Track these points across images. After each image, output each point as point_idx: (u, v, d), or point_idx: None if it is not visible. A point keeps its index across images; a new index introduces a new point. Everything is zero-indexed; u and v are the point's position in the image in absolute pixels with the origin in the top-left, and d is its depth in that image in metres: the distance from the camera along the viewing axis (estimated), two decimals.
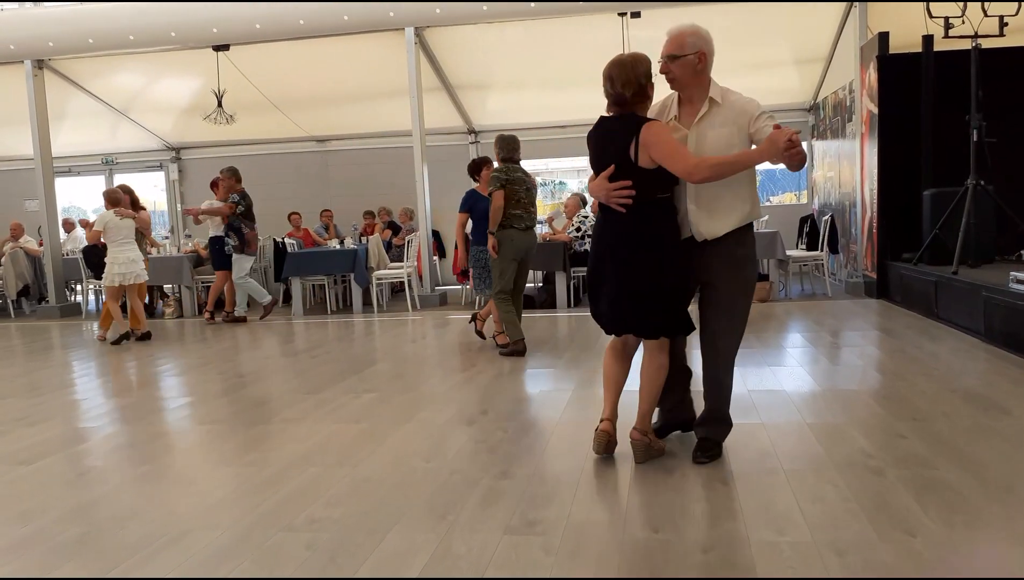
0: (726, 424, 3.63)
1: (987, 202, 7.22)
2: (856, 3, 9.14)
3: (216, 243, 9.28)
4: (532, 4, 9.32)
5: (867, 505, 2.84)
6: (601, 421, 3.54)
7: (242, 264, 9.22)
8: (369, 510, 3.04)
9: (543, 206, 16.97)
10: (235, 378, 5.92)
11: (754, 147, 3.32)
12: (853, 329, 6.84)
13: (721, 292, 3.44)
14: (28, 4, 10.88)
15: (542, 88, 11.68)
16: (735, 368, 3.63)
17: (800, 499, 2.93)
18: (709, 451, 3.48)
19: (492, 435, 4.01)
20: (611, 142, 3.40)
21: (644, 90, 3.39)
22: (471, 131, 13.16)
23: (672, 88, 3.47)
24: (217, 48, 10.34)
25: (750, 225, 3.45)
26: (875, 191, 8.66)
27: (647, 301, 3.36)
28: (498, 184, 6.14)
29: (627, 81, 3.36)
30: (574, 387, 5.04)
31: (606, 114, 3.51)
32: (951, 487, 2.99)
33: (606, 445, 3.51)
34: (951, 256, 6.90)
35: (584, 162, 16.66)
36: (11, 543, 2.87)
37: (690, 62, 3.35)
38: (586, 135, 3.54)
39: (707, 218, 3.36)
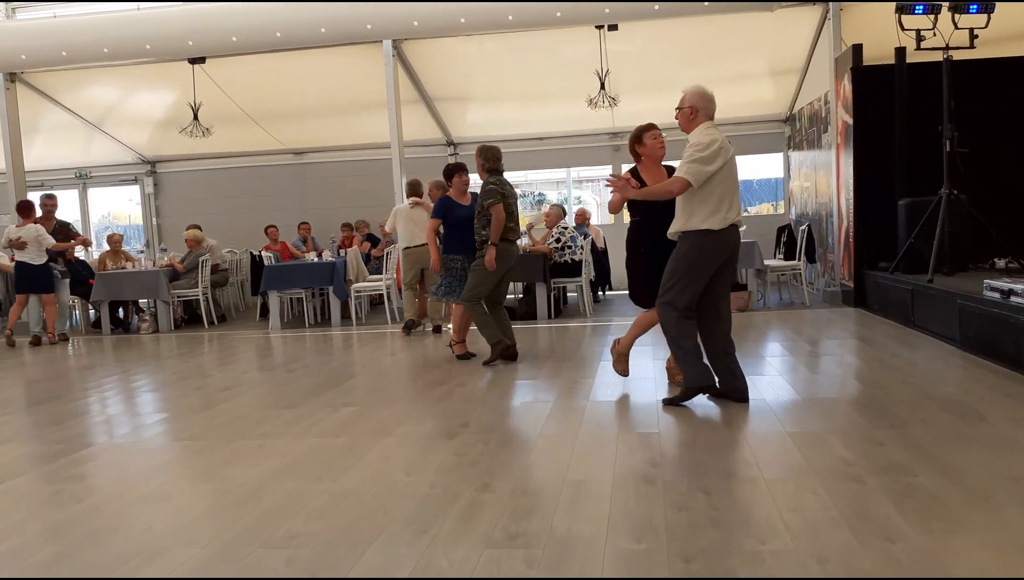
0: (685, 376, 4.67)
1: (961, 211, 7.32)
2: (830, 18, 9.25)
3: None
4: (510, 17, 9.35)
5: (847, 513, 2.85)
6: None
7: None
8: (349, 525, 3.01)
9: (523, 218, 17.02)
10: (212, 393, 5.86)
11: None
12: (831, 338, 6.89)
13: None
14: (1, 15, 10.77)
15: (521, 100, 11.71)
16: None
17: (781, 508, 2.93)
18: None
19: (473, 448, 3.99)
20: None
21: (633, 149, 5.02)
22: (450, 143, 13.16)
23: (681, 129, 4.71)
24: (193, 61, 10.27)
25: (701, 233, 4.48)
26: (851, 201, 8.75)
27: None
28: (497, 197, 6.25)
29: (629, 147, 5.09)
30: (555, 399, 5.03)
31: None
32: (930, 494, 3.00)
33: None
34: (926, 265, 6.98)
35: (562, 174, 16.71)
36: None
37: (685, 113, 4.63)
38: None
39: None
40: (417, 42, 10.14)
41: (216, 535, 2.97)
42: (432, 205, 8.31)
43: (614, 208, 4.86)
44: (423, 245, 8.43)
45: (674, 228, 4.60)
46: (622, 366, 5.36)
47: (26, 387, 6.63)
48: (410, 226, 8.74)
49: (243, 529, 3.01)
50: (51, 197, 10.32)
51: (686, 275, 4.52)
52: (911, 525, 2.72)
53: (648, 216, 4.86)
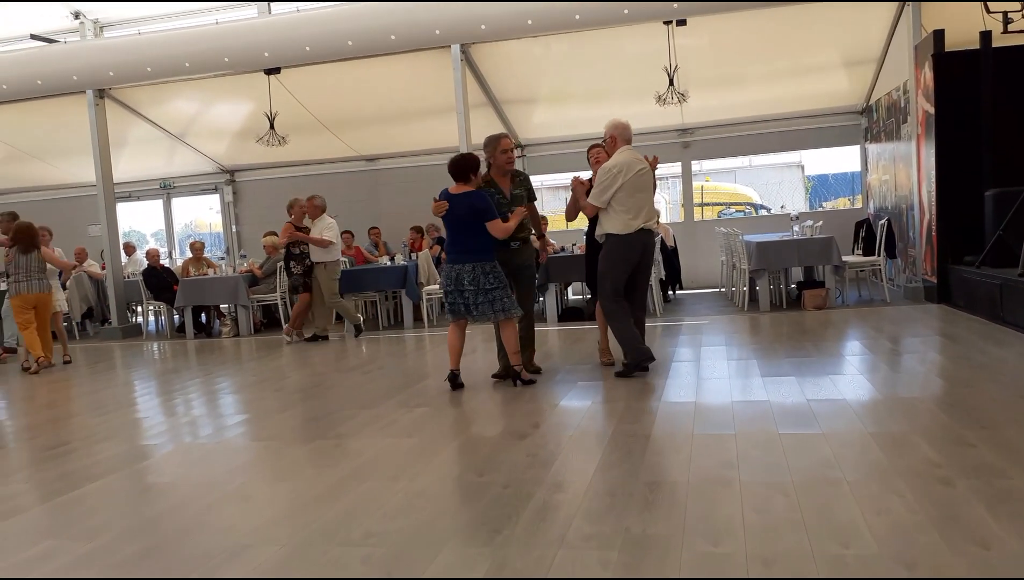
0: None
1: None
2: (909, 4, 8.92)
3: None
4: (577, 16, 9.32)
5: (936, 516, 2.74)
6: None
7: None
8: (424, 524, 3.04)
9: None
10: (290, 395, 6.01)
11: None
12: (914, 335, 6.64)
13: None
14: (89, 35, 11.27)
15: (588, 100, 11.66)
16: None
17: (865, 511, 2.84)
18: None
19: (544, 448, 3.99)
20: None
21: (588, 159, 6.27)
22: (517, 145, 13.19)
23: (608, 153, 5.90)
24: (268, 72, 10.56)
25: (610, 236, 5.67)
26: (933, 193, 8.42)
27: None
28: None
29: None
30: (626, 400, 4.98)
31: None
32: None
33: None
34: (1016, 258, 6.67)
35: None
36: (77, 558, 2.94)
37: (608, 142, 5.81)
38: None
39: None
40: (484, 46, 10.20)
41: (295, 533, 3.04)
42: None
43: (572, 214, 6.04)
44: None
45: (597, 233, 5.81)
46: (608, 357, 6.23)
47: (117, 390, 6.92)
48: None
49: (321, 528, 3.08)
50: None
51: (607, 270, 5.69)
52: (1006, 530, 2.59)
53: (595, 222, 5.90)
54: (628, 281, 5.72)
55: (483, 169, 5.87)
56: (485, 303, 5.49)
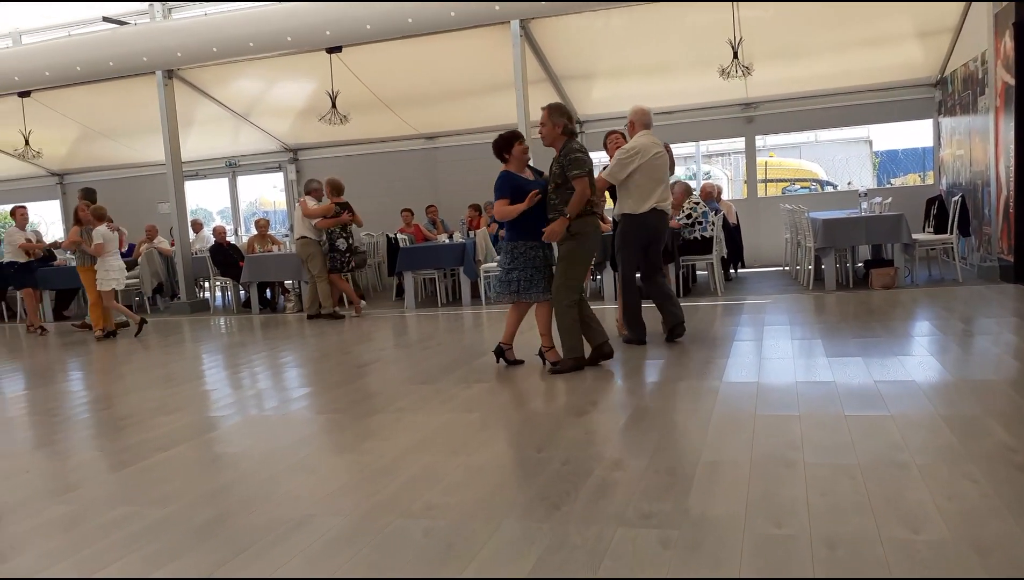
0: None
1: None
2: None
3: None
4: None
5: (1012, 502, 2.65)
6: None
7: None
8: (483, 498, 3.07)
9: None
10: (352, 369, 6.11)
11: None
12: (987, 316, 6.41)
13: None
14: (159, 17, 11.54)
15: (647, 74, 11.48)
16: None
17: (935, 495, 2.76)
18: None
19: (603, 426, 3.98)
20: None
21: (605, 145, 6.51)
22: (576, 121, 13.07)
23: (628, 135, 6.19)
24: (330, 50, 10.66)
25: (625, 216, 6.01)
26: (1012, 168, 8.07)
27: None
28: (588, 166, 5.31)
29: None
30: (686, 379, 4.93)
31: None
32: None
33: None
34: None
35: (691, 148, 16.33)
36: (150, 524, 3.06)
37: (628, 126, 6.08)
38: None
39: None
40: (544, 21, 10.10)
41: (357, 505, 3.10)
42: (311, 204, 9.49)
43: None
44: (299, 238, 9.62)
45: (615, 213, 6.15)
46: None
47: (186, 363, 7.14)
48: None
49: (383, 500, 3.13)
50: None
51: (622, 248, 6.06)
52: None
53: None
54: (644, 257, 6.08)
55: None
56: (503, 283, 5.56)
